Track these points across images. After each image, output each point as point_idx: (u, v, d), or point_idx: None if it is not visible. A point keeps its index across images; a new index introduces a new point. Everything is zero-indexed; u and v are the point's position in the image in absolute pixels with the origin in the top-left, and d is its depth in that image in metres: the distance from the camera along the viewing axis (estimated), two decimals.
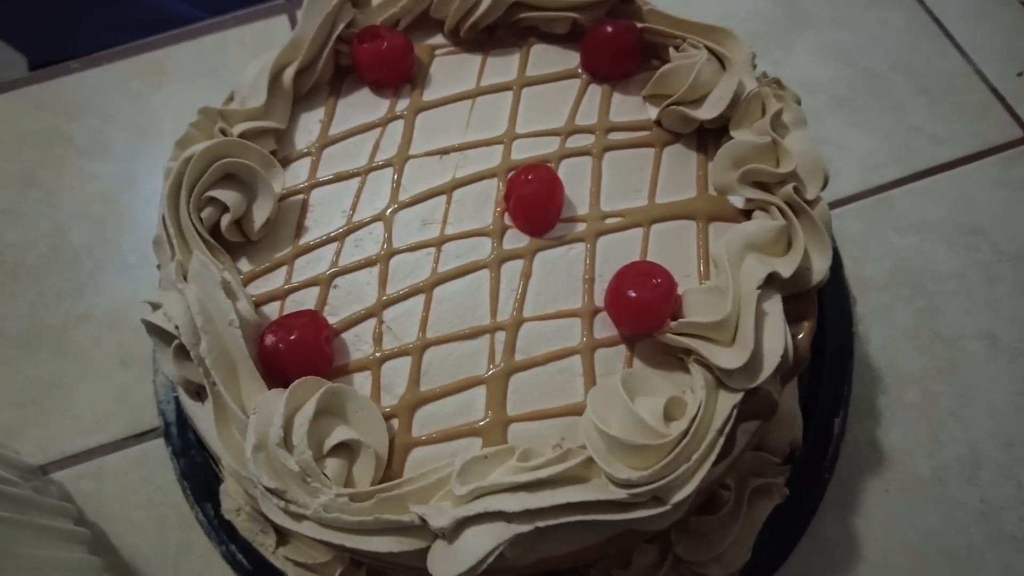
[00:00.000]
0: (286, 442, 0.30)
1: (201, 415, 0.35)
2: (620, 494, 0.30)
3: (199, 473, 0.46)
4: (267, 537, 0.43)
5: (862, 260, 0.57)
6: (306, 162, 0.40)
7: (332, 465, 0.31)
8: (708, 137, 0.41)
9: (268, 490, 0.30)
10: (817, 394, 0.48)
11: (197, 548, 0.47)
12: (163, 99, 0.66)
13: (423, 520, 0.30)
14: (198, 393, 0.36)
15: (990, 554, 0.46)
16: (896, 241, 0.57)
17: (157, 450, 0.51)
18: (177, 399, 0.48)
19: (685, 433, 0.31)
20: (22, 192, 0.61)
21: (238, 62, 0.67)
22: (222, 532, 0.45)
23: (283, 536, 0.43)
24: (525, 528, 0.29)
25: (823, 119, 0.63)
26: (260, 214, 0.37)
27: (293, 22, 0.68)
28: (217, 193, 0.36)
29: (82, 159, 0.63)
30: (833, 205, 0.59)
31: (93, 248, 0.59)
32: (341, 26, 0.42)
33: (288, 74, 0.41)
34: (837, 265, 0.52)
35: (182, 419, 0.48)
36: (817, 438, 0.47)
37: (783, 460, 0.46)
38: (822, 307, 0.42)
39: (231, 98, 0.43)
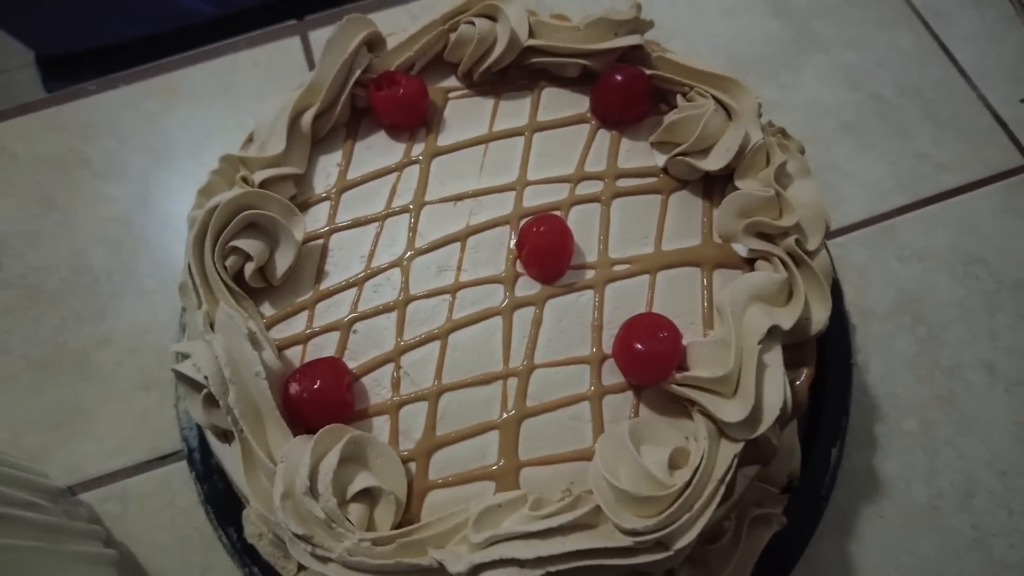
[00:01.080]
0: (312, 491, 0.32)
1: (229, 457, 0.37)
2: (626, 541, 0.32)
3: (221, 498, 0.48)
4: (289, 562, 0.45)
5: (864, 289, 0.58)
6: (325, 206, 0.42)
7: (355, 510, 0.33)
8: (714, 183, 0.42)
9: (296, 536, 0.32)
10: (817, 425, 0.50)
11: (220, 569, 0.49)
12: (177, 120, 0.67)
13: (441, 565, 0.32)
14: (225, 435, 0.37)
15: None
16: (899, 270, 0.59)
17: (179, 473, 0.52)
18: (200, 427, 0.50)
19: (688, 483, 0.32)
20: (42, 215, 0.63)
21: (251, 83, 0.68)
22: (245, 556, 0.46)
23: None
24: (536, 573, 0.31)
25: (830, 145, 0.64)
26: (282, 262, 0.38)
27: (305, 43, 0.69)
28: (241, 243, 0.38)
29: (99, 181, 0.64)
30: (838, 233, 0.60)
31: (112, 272, 0.60)
32: (358, 71, 0.43)
33: (307, 119, 0.42)
34: (838, 296, 0.53)
35: (204, 445, 0.49)
36: (815, 467, 0.49)
37: (782, 489, 0.48)
38: (822, 339, 0.44)
39: (250, 139, 0.45)
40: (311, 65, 0.68)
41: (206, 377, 0.34)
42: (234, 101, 0.67)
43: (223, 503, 0.48)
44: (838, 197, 0.62)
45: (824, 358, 0.51)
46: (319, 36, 0.69)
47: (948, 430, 0.53)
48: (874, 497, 0.51)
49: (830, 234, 0.42)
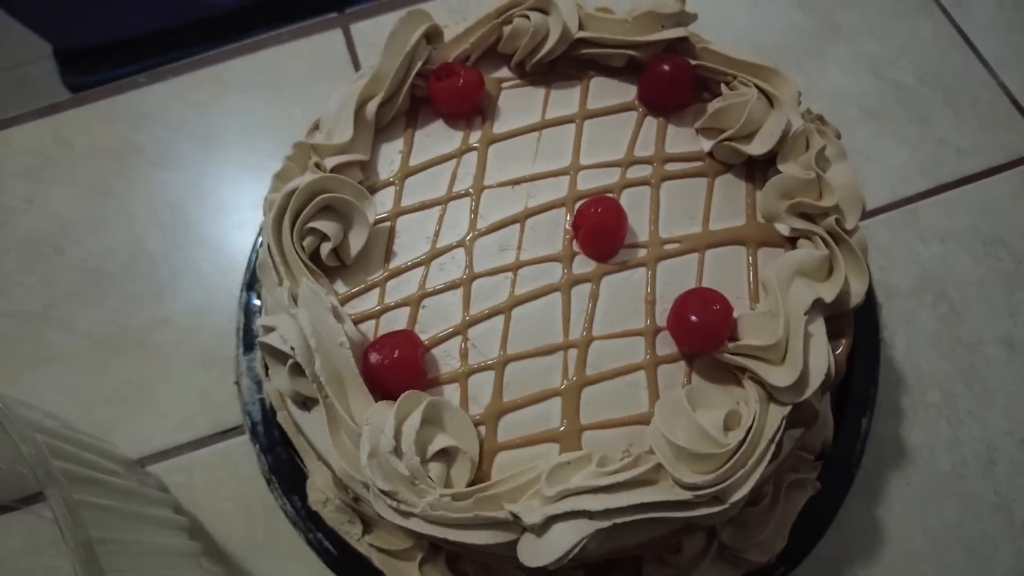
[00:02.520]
0: (397, 450, 0.35)
1: (310, 424, 0.39)
2: (685, 495, 0.34)
3: (285, 468, 0.51)
4: (353, 526, 0.48)
5: (889, 269, 0.60)
6: (390, 191, 0.44)
7: (435, 469, 0.36)
8: (756, 167, 0.45)
9: (381, 492, 0.35)
10: (847, 396, 0.52)
11: (283, 536, 0.52)
12: (225, 110, 0.70)
13: (516, 517, 0.34)
14: (304, 403, 0.40)
15: (1002, 542, 0.51)
16: (921, 250, 0.61)
17: (240, 447, 0.55)
18: (263, 401, 0.53)
19: (742, 442, 0.35)
20: (100, 202, 0.65)
21: (296, 74, 0.71)
22: (309, 522, 0.49)
23: (368, 525, 0.48)
24: (604, 524, 0.34)
25: (854, 131, 0.66)
26: (356, 242, 0.41)
27: (347, 36, 0.72)
28: (318, 224, 0.40)
29: (152, 169, 0.67)
30: (863, 216, 0.62)
31: (168, 256, 0.63)
32: (419, 63, 0.45)
33: (371, 108, 0.45)
34: None
35: (267, 419, 0.52)
36: (846, 436, 0.52)
37: (816, 456, 0.51)
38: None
39: (315, 127, 0.47)
40: (353, 57, 0.70)
41: (292, 348, 0.37)
42: (280, 91, 0.70)
43: (286, 473, 0.52)
44: (862, 181, 0.62)
45: (854, 334, 0.54)
46: (360, 29, 0.71)
47: (970, 402, 0.56)
48: (901, 465, 0.54)
49: None
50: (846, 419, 0.52)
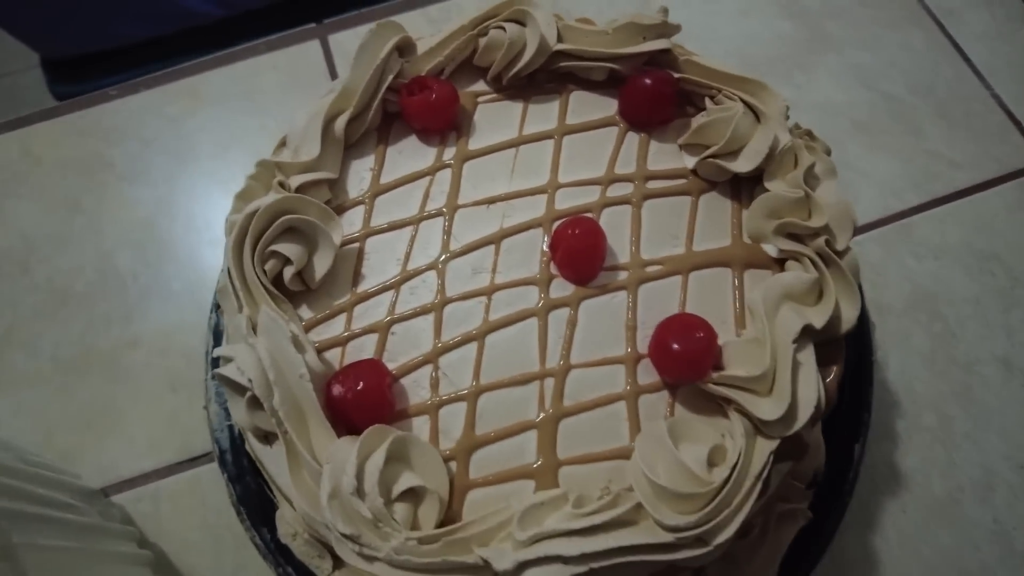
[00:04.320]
0: (359, 491, 0.33)
1: (271, 458, 0.37)
2: (667, 537, 0.32)
3: (254, 498, 0.49)
4: (323, 561, 0.46)
5: (881, 286, 0.59)
6: (360, 210, 0.42)
7: (400, 510, 0.33)
8: (742, 184, 0.43)
9: (343, 535, 0.33)
10: (839, 421, 0.50)
11: (253, 568, 0.50)
12: (199, 123, 0.68)
13: (486, 562, 0.32)
14: (266, 437, 0.38)
15: (1001, 572, 0.49)
16: (914, 267, 0.59)
17: (209, 474, 0.53)
18: (231, 427, 0.50)
19: (727, 480, 0.33)
20: (68, 218, 0.63)
21: (272, 86, 0.69)
22: (278, 555, 0.47)
23: (339, 560, 0.46)
24: (580, 569, 0.32)
25: (844, 144, 0.65)
26: (321, 265, 0.39)
27: (325, 47, 0.70)
28: (280, 247, 0.38)
29: (123, 184, 0.65)
30: (854, 232, 0.60)
31: (138, 274, 0.61)
32: (390, 77, 0.43)
33: (340, 123, 0.43)
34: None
35: (236, 447, 0.50)
36: (838, 462, 0.50)
37: (807, 485, 0.49)
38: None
39: (282, 144, 0.45)
40: (331, 68, 0.68)
41: (250, 380, 0.35)
42: (255, 104, 0.68)
43: (255, 503, 0.49)
44: (853, 196, 0.62)
45: (845, 355, 0.52)
46: (338, 40, 0.70)
47: (966, 424, 0.54)
48: (895, 491, 0.52)
49: None
50: (838, 445, 0.50)
